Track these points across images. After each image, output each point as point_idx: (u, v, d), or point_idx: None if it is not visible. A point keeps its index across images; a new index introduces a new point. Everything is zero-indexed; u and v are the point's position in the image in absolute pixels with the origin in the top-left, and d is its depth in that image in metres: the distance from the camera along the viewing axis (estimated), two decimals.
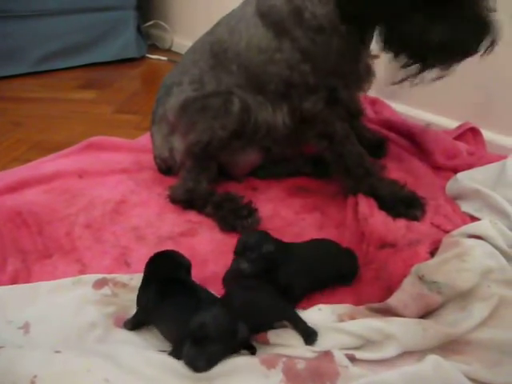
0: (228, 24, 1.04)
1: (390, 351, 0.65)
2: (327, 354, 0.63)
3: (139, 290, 0.74)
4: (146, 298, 0.72)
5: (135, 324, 0.72)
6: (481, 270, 0.75)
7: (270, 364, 0.60)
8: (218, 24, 1.09)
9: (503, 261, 0.78)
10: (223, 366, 0.61)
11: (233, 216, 0.98)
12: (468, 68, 1.34)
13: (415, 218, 0.97)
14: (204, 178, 1.06)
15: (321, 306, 0.75)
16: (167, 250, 0.79)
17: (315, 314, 0.73)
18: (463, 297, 0.73)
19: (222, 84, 1.04)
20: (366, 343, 0.67)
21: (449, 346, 0.67)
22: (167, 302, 0.70)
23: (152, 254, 0.77)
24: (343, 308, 0.75)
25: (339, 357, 0.63)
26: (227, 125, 1.01)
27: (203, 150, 1.03)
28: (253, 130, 1.03)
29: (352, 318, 0.72)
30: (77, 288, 0.79)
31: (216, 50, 1.04)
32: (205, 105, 1.03)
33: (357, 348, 0.67)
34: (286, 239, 0.94)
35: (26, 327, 0.72)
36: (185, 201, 1.05)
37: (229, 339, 0.62)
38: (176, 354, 0.64)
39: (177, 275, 0.75)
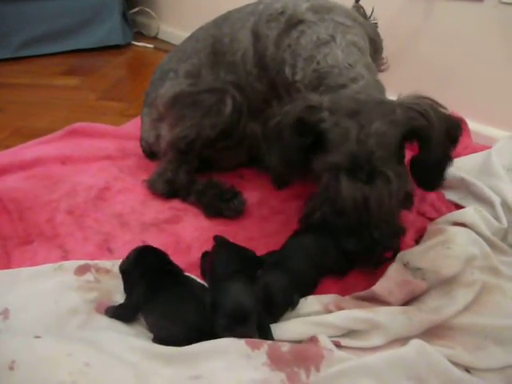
0: (233, 27, 1.01)
1: (376, 341, 0.65)
2: (312, 339, 0.63)
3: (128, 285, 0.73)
4: (138, 292, 0.70)
5: (119, 314, 0.71)
6: (465, 256, 0.76)
7: (254, 345, 0.59)
8: (225, 18, 1.05)
9: (487, 248, 0.79)
10: (208, 345, 0.60)
11: (217, 200, 0.97)
12: (455, 60, 1.35)
13: (406, 209, 0.97)
14: (183, 169, 1.04)
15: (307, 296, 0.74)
16: (148, 246, 0.78)
17: (301, 305, 0.72)
18: (447, 283, 0.73)
19: (219, 80, 1.02)
20: (352, 332, 0.67)
21: (432, 331, 0.67)
22: (160, 294, 0.68)
23: (135, 248, 0.76)
24: (328, 297, 0.74)
25: (324, 341, 0.62)
26: (217, 124, 1.00)
27: (188, 145, 1.02)
28: (241, 135, 1.02)
29: (338, 306, 0.71)
30: (58, 274, 0.78)
31: (217, 48, 1.03)
32: (196, 100, 1.01)
33: (343, 335, 0.67)
34: (273, 227, 0.95)
35: (5, 313, 0.70)
36: (166, 193, 1.03)
37: None
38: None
39: (168, 267, 0.74)
